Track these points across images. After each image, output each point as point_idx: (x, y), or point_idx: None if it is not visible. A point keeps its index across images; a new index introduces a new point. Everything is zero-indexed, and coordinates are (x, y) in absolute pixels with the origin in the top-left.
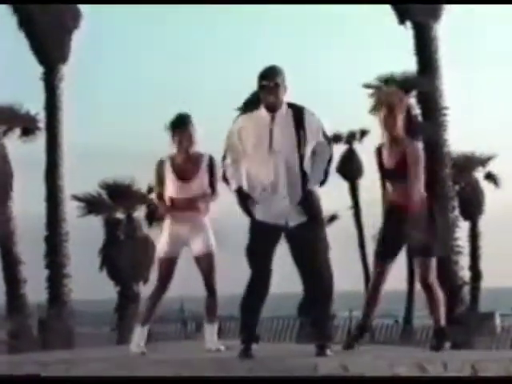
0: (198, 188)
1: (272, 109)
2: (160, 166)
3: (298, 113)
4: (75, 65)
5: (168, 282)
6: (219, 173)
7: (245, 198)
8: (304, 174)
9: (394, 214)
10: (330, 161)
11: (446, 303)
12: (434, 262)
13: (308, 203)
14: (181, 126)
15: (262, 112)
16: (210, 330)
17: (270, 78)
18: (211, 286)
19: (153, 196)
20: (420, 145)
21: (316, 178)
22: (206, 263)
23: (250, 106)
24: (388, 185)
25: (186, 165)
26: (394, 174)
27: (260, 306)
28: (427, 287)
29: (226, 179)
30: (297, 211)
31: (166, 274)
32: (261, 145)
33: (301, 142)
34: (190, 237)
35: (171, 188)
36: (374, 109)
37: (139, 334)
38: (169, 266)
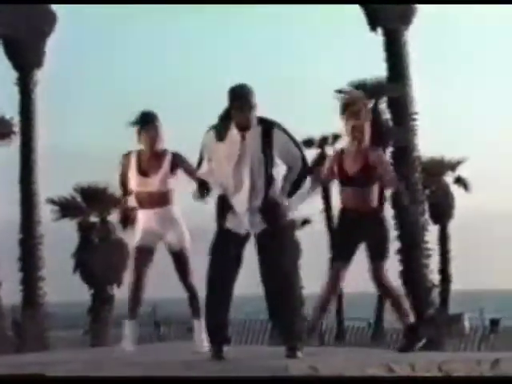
0: (158, 183)
1: (243, 128)
2: (125, 158)
3: (266, 129)
4: (50, 69)
5: (144, 272)
6: (187, 162)
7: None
8: (268, 186)
9: (349, 218)
10: (301, 174)
11: (415, 305)
12: (383, 264)
13: (269, 212)
14: (146, 123)
15: (233, 131)
16: (198, 328)
17: (244, 100)
18: (187, 283)
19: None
20: (383, 152)
21: (284, 188)
22: (180, 261)
23: (223, 122)
24: (344, 190)
25: (150, 161)
26: (354, 179)
27: (226, 307)
28: (382, 287)
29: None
30: (257, 219)
31: (140, 263)
32: (229, 162)
33: (268, 159)
34: (162, 231)
35: (133, 182)
36: (342, 118)
37: (130, 330)
38: (144, 254)
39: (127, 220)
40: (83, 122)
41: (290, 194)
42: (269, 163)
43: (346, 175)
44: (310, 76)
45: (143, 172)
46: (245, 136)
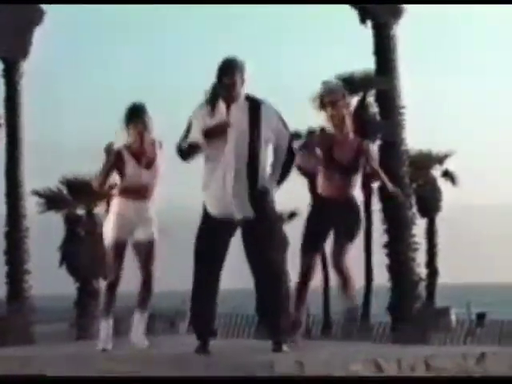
0: (154, 175)
1: (229, 102)
2: (116, 154)
3: (254, 106)
4: (36, 61)
5: (120, 268)
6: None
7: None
8: (254, 169)
9: (325, 207)
10: (288, 155)
11: (402, 299)
12: (347, 247)
13: (256, 199)
14: (134, 117)
15: (220, 104)
16: (139, 320)
17: (228, 74)
18: (148, 270)
19: (94, 182)
20: (371, 143)
21: (273, 175)
22: (146, 249)
23: (211, 100)
24: (328, 175)
25: (144, 153)
26: (343, 167)
27: (213, 300)
28: (339, 271)
29: (181, 150)
30: (243, 205)
31: (116, 260)
32: (218, 138)
33: (254, 135)
34: (136, 223)
35: (131, 175)
36: (319, 107)
37: (105, 328)
38: (117, 250)
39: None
40: (69, 114)
41: (280, 180)
42: (255, 139)
43: (334, 162)
44: (297, 69)
45: (143, 164)
46: (230, 109)
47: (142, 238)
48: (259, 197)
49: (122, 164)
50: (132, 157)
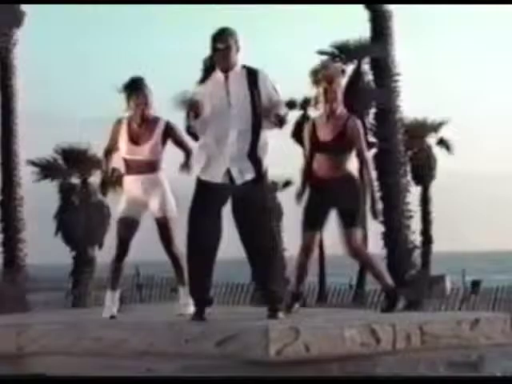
0: (149, 152)
1: (226, 70)
2: (117, 124)
3: (251, 73)
4: (29, 30)
5: (127, 243)
6: (179, 133)
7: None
8: (257, 135)
9: (321, 186)
10: (280, 123)
11: (397, 266)
12: (358, 231)
13: (256, 158)
14: (136, 89)
15: (217, 73)
16: (182, 293)
17: (222, 41)
18: (170, 251)
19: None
20: (358, 120)
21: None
22: (162, 227)
23: (207, 73)
24: (318, 157)
25: (141, 128)
26: (329, 147)
27: (210, 268)
28: (356, 255)
29: (189, 131)
30: (244, 169)
31: (124, 235)
32: (218, 104)
33: (255, 100)
34: (146, 198)
35: (124, 149)
36: (314, 82)
37: (110, 299)
38: (127, 225)
39: (107, 186)
40: (65, 84)
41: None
42: (256, 102)
43: (319, 142)
44: (293, 37)
45: (134, 140)
46: (228, 77)
47: (156, 213)
48: (258, 164)
49: (118, 135)
50: (127, 131)
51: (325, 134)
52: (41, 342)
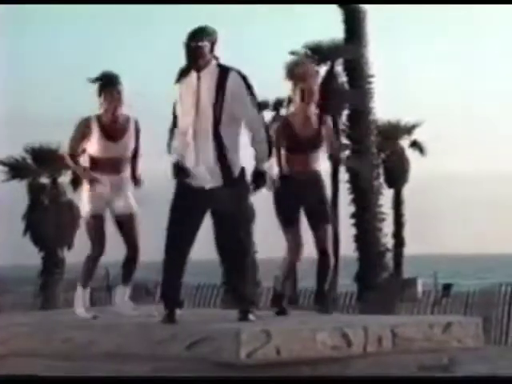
0: (123, 149)
1: (198, 69)
2: (85, 123)
3: (223, 72)
4: (4, 27)
5: (101, 241)
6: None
7: (180, 172)
8: (218, 132)
9: (292, 184)
10: (267, 134)
11: (369, 269)
12: (330, 229)
13: (224, 168)
14: (110, 85)
15: (192, 73)
16: (122, 293)
17: (194, 40)
18: (133, 248)
19: (63, 152)
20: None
21: (262, 156)
22: (128, 224)
23: (183, 71)
24: (292, 155)
25: (114, 125)
26: (304, 144)
27: (182, 270)
28: (324, 254)
29: (169, 146)
30: (212, 174)
31: (95, 233)
32: (188, 104)
33: (218, 99)
34: (112, 198)
35: (96, 147)
36: (290, 79)
37: (81, 297)
38: (95, 223)
39: (78, 181)
40: (34, 82)
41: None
42: (219, 106)
43: (295, 139)
44: (266, 37)
45: (109, 136)
46: (200, 76)
47: (121, 211)
48: (227, 166)
49: (89, 134)
50: (99, 128)
51: (300, 131)
52: (9, 343)
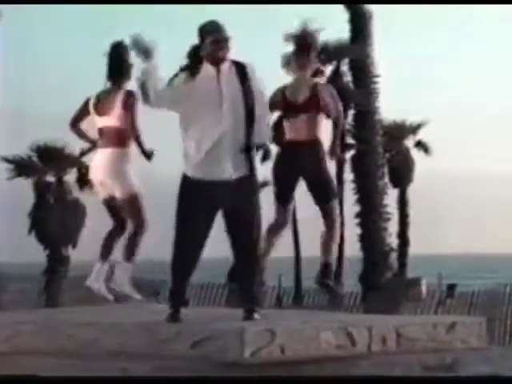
0: (110, 122)
1: (217, 63)
2: (86, 101)
3: (240, 67)
4: (7, 24)
5: (119, 220)
6: (137, 106)
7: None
8: (248, 126)
9: (290, 152)
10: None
11: (373, 269)
12: (336, 204)
13: (249, 154)
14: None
15: (207, 66)
16: (124, 270)
17: (220, 33)
18: (138, 223)
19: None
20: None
21: (264, 133)
22: (130, 203)
23: (197, 64)
24: (290, 121)
25: (106, 100)
26: (298, 109)
27: (192, 270)
28: (330, 223)
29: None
30: (238, 161)
31: (112, 213)
32: (210, 98)
33: (247, 93)
34: (108, 173)
35: (89, 121)
36: (291, 42)
37: (98, 270)
38: (108, 205)
39: (84, 180)
40: (41, 80)
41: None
42: (249, 96)
43: (291, 105)
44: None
45: (97, 111)
46: (220, 69)
47: (121, 191)
48: (252, 158)
49: (87, 112)
50: (94, 102)
51: (294, 97)
52: (13, 341)
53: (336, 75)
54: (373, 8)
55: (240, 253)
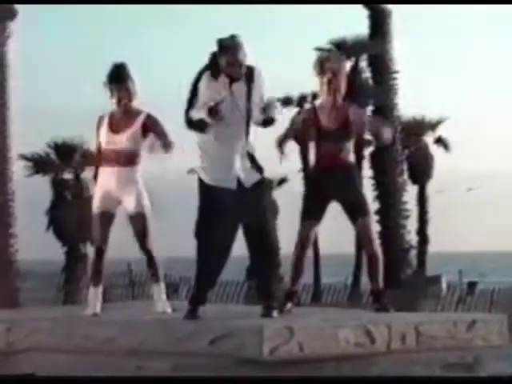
0: (126, 142)
1: (232, 78)
2: (99, 120)
3: (249, 73)
4: (23, 22)
5: (106, 238)
6: (162, 125)
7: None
8: (248, 130)
9: (322, 176)
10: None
11: (393, 266)
12: (371, 219)
13: (253, 157)
14: (117, 80)
15: (223, 79)
16: (157, 291)
17: (236, 56)
18: (145, 247)
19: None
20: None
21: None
22: (138, 224)
23: (213, 66)
24: (321, 146)
25: (122, 119)
26: (333, 135)
27: (218, 273)
28: (369, 252)
29: (191, 122)
30: (248, 168)
31: (100, 230)
32: (224, 107)
33: (250, 98)
34: (120, 193)
35: (102, 139)
36: (318, 73)
37: (92, 295)
38: (102, 221)
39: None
40: (59, 77)
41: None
42: (251, 100)
43: (323, 131)
44: (291, 35)
45: (113, 129)
46: (233, 83)
47: (131, 210)
48: (256, 161)
49: (100, 129)
50: (108, 121)
51: (328, 123)
52: (31, 338)
53: (355, 71)
54: (392, 6)
55: (257, 252)
